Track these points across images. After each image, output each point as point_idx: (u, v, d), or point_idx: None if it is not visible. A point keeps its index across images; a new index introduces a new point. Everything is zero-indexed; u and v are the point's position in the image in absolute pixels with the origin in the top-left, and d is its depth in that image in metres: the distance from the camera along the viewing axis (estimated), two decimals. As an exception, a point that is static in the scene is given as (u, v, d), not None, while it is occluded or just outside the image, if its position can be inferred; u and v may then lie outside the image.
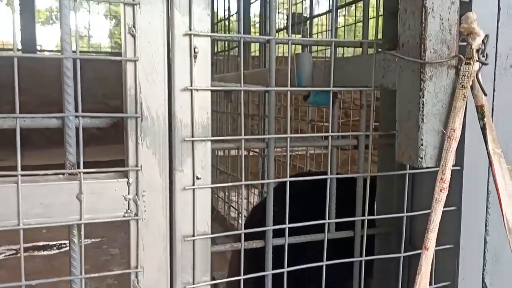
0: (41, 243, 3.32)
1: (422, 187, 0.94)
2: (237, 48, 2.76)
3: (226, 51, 2.83)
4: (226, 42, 2.75)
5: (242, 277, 0.75)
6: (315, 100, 0.95)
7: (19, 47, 6.44)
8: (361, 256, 0.90)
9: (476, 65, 0.68)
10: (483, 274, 0.89)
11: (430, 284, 0.86)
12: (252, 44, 2.76)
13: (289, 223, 0.82)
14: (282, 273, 0.82)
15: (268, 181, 0.79)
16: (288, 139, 0.76)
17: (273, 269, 0.84)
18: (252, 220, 1.22)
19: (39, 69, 5.09)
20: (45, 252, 3.20)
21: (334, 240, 0.90)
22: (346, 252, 0.92)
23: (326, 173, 0.86)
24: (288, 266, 0.84)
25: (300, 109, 2.68)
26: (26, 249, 3.24)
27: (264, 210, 0.84)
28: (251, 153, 2.42)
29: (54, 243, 3.33)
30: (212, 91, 0.69)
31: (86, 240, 3.51)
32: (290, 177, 1.40)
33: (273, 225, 0.83)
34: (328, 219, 0.88)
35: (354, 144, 0.93)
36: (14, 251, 3.19)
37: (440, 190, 0.69)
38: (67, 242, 3.36)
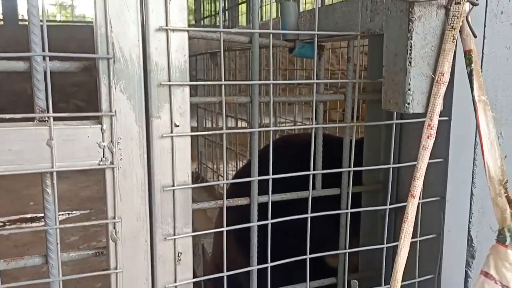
0: (28, 215, 3.30)
1: (409, 141, 0.92)
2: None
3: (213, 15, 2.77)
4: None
5: (224, 228, 0.74)
6: (300, 52, 0.92)
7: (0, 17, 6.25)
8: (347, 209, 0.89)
9: (467, 6, 0.65)
10: (469, 226, 0.89)
11: (416, 236, 0.85)
12: None
13: (275, 185, 0.80)
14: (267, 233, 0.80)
15: (253, 130, 0.76)
16: (271, 85, 0.73)
17: (259, 231, 0.83)
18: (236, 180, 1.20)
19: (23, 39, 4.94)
20: (33, 224, 3.18)
21: (323, 207, 0.88)
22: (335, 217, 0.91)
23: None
24: (276, 227, 0.82)
25: (288, 73, 2.64)
26: (13, 221, 3.21)
27: (249, 171, 0.81)
28: (239, 124, 2.39)
29: (42, 215, 3.30)
30: (190, 36, 0.65)
31: (75, 212, 3.51)
32: (277, 141, 1.38)
33: (259, 186, 0.81)
34: (314, 174, 0.87)
35: (341, 99, 0.91)
36: (1, 223, 3.17)
37: (428, 137, 0.67)
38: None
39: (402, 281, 0.71)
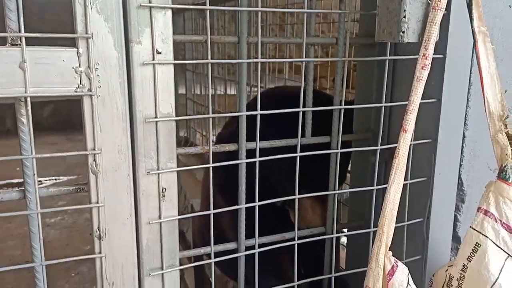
0: (15, 180, 3.25)
1: (402, 87, 0.90)
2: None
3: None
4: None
5: (211, 165, 0.71)
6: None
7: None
8: (337, 156, 0.87)
9: None
10: (459, 170, 0.88)
11: (406, 179, 0.84)
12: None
13: (264, 138, 0.77)
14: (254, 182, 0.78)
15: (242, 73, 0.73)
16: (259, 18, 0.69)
17: (247, 179, 0.80)
18: (223, 132, 1.17)
19: None
20: (21, 188, 3.13)
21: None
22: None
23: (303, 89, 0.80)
24: (264, 178, 0.80)
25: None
26: (0, 186, 3.16)
27: (237, 125, 0.78)
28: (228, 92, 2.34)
29: (29, 180, 3.26)
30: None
31: (62, 177, 3.47)
32: (265, 93, 1.35)
33: (247, 137, 0.78)
34: (304, 124, 0.84)
35: (333, 43, 0.87)
36: (-13, 188, 3.12)
37: (422, 67, 0.64)
38: (42, 179, 3.29)
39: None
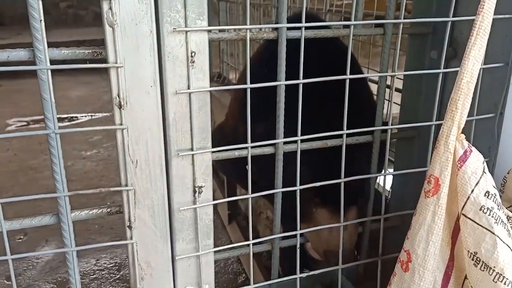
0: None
1: None
2: None
3: None
4: None
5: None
6: None
7: None
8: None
9: None
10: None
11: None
12: None
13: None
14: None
15: None
16: None
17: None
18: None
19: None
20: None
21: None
22: None
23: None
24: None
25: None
26: (37, 121, 3.21)
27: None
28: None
29: (66, 116, 3.29)
30: None
31: (97, 113, 3.47)
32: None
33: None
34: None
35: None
36: (25, 123, 3.17)
37: None
38: (78, 115, 3.30)
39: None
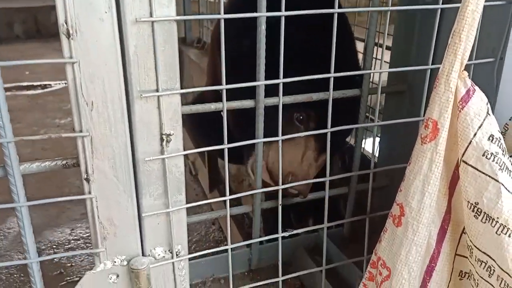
0: (24, 83, 3.13)
1: None
2: None
3: None
4: None
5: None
6: None
7: None
8: None
9: None
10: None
11: None
12: None
13: None
14: None
15: None
16: None
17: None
18: None
19: None
20: (29, 92, 3.02)
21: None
22: None
23: None
24: None
25: None
26: (8, 89, 3.05)
27: None
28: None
29: (39, 83, 3.14)
30: None
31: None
32: None
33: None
34: None
35: None
36: (-4, 90, 3.01)
37: None
38: (51, 82, 3.16)
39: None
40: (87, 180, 0.52)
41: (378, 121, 0.80)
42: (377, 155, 1.00)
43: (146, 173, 0.54)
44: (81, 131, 0.50)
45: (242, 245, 0.75)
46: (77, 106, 0.49)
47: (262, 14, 0.58)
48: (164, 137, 0.53)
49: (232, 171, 1.87)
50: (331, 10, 0.58)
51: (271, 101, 0.74)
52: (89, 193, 0.52)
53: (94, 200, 0.52)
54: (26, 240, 0.53)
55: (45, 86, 3.11)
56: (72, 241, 1.62)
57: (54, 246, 1.60)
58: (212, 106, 0.71)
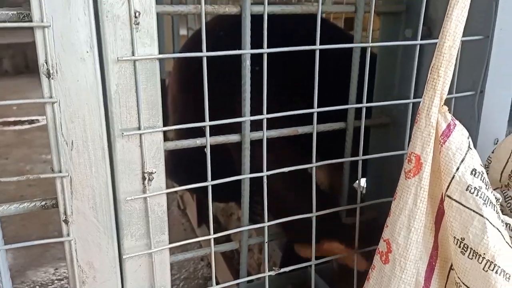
0: (11, 119, 3.11)
1: None
2: None
3: None
4: None
5: None
6: None
7: None
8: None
9: None
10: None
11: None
12: None
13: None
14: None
15: None
16: None
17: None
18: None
19: None
20: (17, 127, 2.99)
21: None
22: None
23: None
24: None
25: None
26: (-5, 124, 3.04)
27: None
28: None
29: (26, 118, 3.12)
30: None
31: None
32: None
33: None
34: None
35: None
36: (-18, 126, 2.98)
37: None
38: (39, 117, 3.14)
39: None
40: (66, 222, 0.50)
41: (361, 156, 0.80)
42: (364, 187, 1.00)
43: (127, 213, 0.53)
44: (60, 171, 0.49)
45: (229, 285, 0.73)
46: (56, 145, 0.48)
47: (246, 51, 0.59)
48: (146, 175, 0.53)
49: (221, 205, 1.85)
50: (312, 47, 0.59)
51: (257, 135, 0.74)
52: (68, 235, 0.51)
53: (73, 242, 0.51)
54: (2, 285, 0.51)
55: (32, 121, 3.09)
56: (56, 281, 1.57)
57: (37, 287, 1.54)
58: (197, 141, 0.70)
